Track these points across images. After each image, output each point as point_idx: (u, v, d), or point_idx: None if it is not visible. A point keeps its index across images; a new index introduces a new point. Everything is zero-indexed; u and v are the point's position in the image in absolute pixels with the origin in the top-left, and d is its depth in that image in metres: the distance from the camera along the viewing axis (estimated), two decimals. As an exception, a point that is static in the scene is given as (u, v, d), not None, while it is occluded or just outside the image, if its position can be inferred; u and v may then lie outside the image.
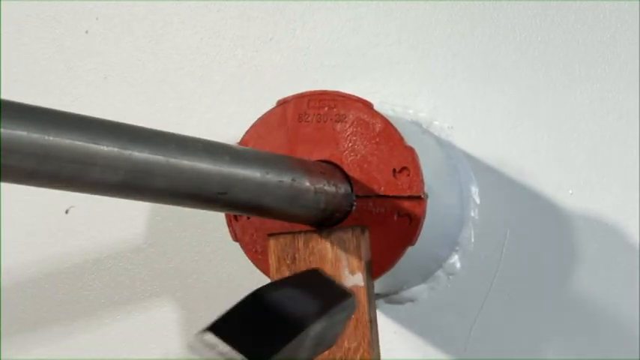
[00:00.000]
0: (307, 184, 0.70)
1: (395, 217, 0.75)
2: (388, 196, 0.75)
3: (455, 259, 0.88)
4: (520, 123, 0.87)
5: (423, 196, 0.74)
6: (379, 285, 0.78)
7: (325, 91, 0.77)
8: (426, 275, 0.88)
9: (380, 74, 0.90)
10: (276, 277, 0.73)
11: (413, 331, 0.89)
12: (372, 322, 0.72)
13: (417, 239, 0.75)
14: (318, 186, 0.71)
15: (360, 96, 0.77)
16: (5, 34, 0.98)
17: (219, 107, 0.94)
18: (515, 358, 0.87)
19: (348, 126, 0.76)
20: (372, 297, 0.73)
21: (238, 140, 0.79)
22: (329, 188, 0.72)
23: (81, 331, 0.97)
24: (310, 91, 0.77)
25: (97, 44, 0.97)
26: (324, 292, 0.60)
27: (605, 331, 0.86)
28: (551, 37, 0.87)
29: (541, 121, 0.87)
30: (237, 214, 0.77)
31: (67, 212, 0.97)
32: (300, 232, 0.73)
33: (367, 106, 0.76)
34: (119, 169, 0.54)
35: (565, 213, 0.86)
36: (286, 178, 0.67)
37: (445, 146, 0.88)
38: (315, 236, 0.73)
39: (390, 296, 0.88)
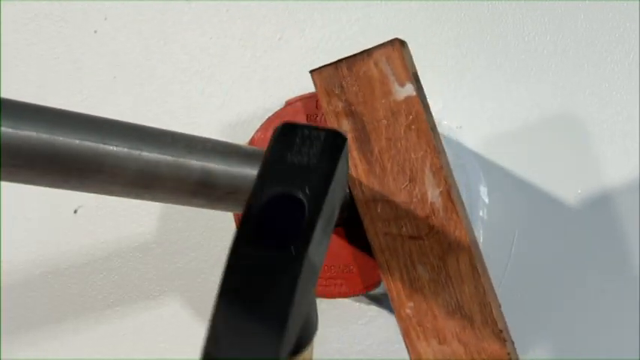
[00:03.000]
0: (316, 183, 0.69)
1: (404, 217, 0.75)
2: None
3: (463, 259, 0.87)
4: (529, 122, 0.87)
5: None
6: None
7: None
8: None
9: (388, 74, 0.90)
10: (329, 110, 0.72)
11: (421, 330, 0.89)
12: (434, 130, 0.72)
13: (426, 239, 0.74)
14: (327, 186, 0.71)
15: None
16: (14, 33, 0.98)
17: (227, 107, 0.94)
18: (524, 358, 0.87)
19: (357, 126, 0.76)
20: (427, 104, 0.73)
21: (247, 140, 0.79)
22: (338, 188, 0.72)
23: (89, 330, 0.97)
24: (319, 91, 0.77)
25: (105, 44, 0.97)
26: (314, 143, 0.56)
27: (616, 331, 0.86)
28: (560, 36, 0.87)
29: (550, 120, 0.87)
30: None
31: (75, 212, 0.97)
32: (340, 60, 0.72)
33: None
34: (128, 169, 0.54)
35: (573, 213, 0.86)
36: (295, 178, 0.67)
37: (454, 146, 0.88)
38: (357, 59, 0.72)
39: (398, 296, 0.88)
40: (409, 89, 0.71)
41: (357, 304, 0.90)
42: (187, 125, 0.95)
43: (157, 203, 0.90)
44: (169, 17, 0.95)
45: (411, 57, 0.72)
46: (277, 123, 0.78)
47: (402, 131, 0.71)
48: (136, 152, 0.54)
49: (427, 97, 0.90)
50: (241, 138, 0.93)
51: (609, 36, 0.86)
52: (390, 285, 0.72)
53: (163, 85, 0.95)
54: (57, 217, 0.98)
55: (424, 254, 0.71)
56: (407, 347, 0.73)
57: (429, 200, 0.71)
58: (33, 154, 0.49)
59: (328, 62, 0.73)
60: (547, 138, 0.87)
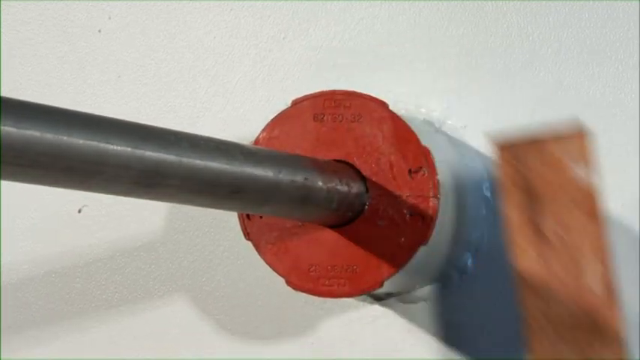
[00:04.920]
0: (320, 183, 0.70)
1: (408, 217, 0.75)
2: (402, 196, 0.75)
3: (467, 259, 0.87)
4: (534, 122, 0.87)
5: (437, 196, 0.74)
6: (392, 284, 0.78)
7: (342, 90, 0.77)
8: (438, 275, 0.87)
9: (393, 73, 0.90)
10: (506, 180, 0.67)
11: (426, 330, 0.89)
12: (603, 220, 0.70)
13: (430, 238, 0.74)
14: (330, 185, 0.71)
15: (375, 95, 0.77)
16: (18, 33, 0.98)
17: (232, 106, 0.94)
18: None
19: (363, 126, 0.76)
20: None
21: (252, 140, 0.79)
22: (341, 188, 0.72)
23: (93, 330, 0.97)
24: (326, 91, 0.77)
25: (109, 43, 0.97)
26: None
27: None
28: (565, 36, 0.87)
29: (555, 120, 0.87)
30: (249, 213, 0.77)
31: (79, 211, 0.97)
32: (532, 139, 0.67)
33: (383, 105, 0.76)
34: (131, 169, 0.54)
35: (579, 212, 0.86)
36: (299, 178, 0.67)
37: (458, 145, 0.88)
38: (548, 143, 0.67)
39: (403, 295, 0.88)
40: (592, 179, 0.69)
41: (361, 303, 0.90)
42: (192, 124, 0.94)
43: (161, 203, 0.90)
44: (173, 17, 0.95)
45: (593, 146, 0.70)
46: (283, 122, 0.78)
47: (579, 219, 0.68)
48: (139, 152, 0.54)
49: (431, 96, 0.90)
50: (246, 137, 0.93)
51: (613, 36, 0.86)
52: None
53: (168, 84, 0.95)
54: (61, 217, 0.98)
55: (575, 343, 0.70)
56: None
57: (592, 291, 0.70)
58: (36, 154, 0.49)
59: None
60: (552, 138, 0.87)
